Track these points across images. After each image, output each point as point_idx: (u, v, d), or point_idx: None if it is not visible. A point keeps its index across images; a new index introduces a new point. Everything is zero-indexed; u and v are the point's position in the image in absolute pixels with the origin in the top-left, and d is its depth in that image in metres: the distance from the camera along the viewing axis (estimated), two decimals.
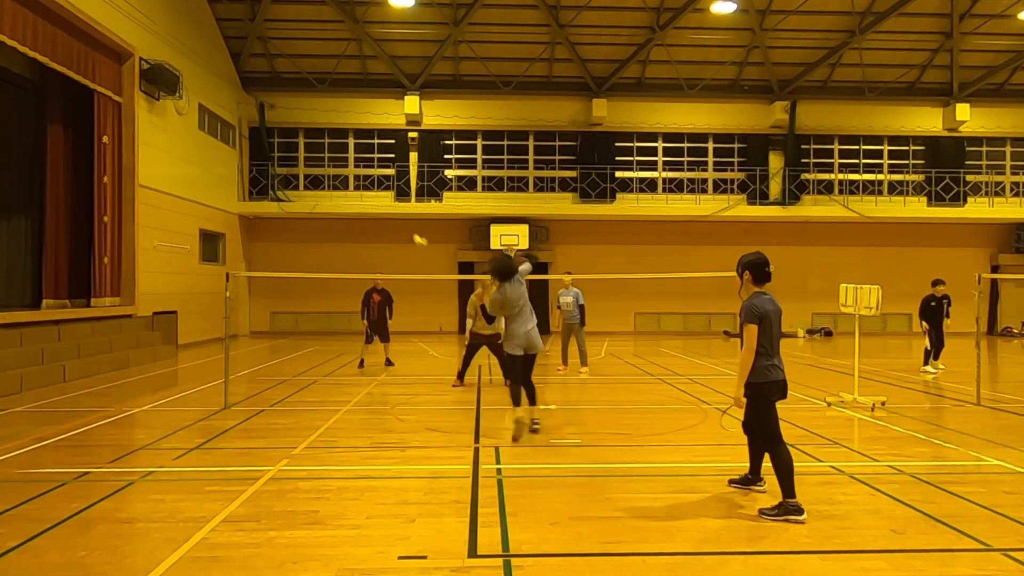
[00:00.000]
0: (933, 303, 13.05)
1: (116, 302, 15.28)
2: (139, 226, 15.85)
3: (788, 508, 4.76)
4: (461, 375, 11.19)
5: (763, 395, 5.00)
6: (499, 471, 6.03)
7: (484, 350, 11.23)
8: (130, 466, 6.15)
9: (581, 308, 12.66)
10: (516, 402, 7.31)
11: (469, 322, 11.05)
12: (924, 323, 13.07)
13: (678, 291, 24.00)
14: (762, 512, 4.85)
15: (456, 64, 23.50)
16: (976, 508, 5.02)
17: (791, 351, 17.95)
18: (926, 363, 13.03)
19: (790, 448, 6.83)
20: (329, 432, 7.61)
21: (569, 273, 13.04)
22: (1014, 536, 4.48)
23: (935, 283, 13.15)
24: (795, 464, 5.32)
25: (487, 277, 10.67)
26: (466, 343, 11.21)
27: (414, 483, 5.67)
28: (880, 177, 24.94)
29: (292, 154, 23.96)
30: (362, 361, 13.84)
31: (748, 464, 5.55)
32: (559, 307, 12.78)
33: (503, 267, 7.46)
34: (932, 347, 12.99)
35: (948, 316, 13.13)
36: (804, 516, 4.73)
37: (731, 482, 5.60)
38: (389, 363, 14.07)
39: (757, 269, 5.01)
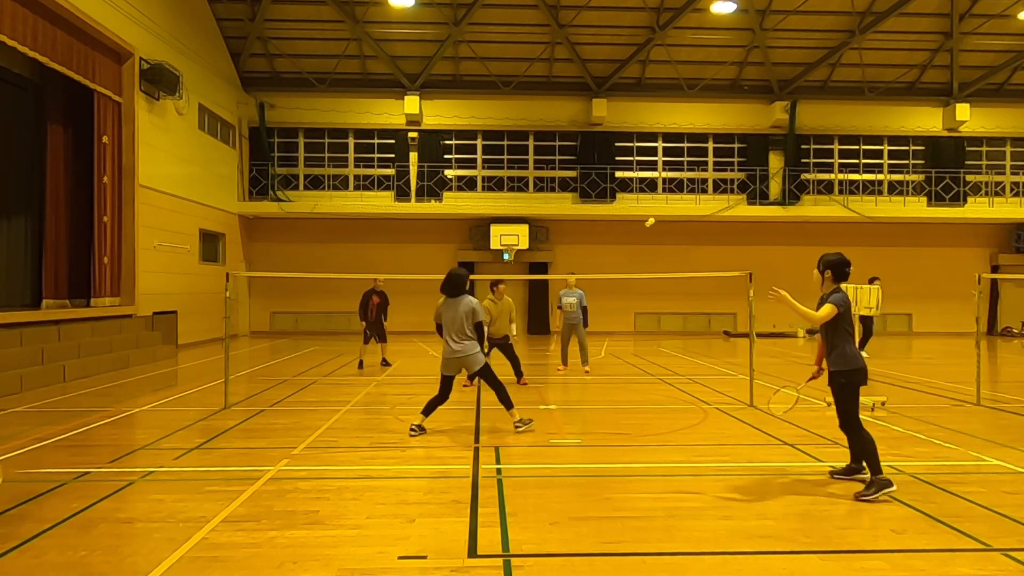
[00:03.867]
0: None
1: (116, 302, 15.27)
2: (139, 226, 15.85)
3: (882, 484, 5.12)
4: (472, 376, 11.16)
5: (855, 381, 5.28)
6: (499, 471, 6.03)
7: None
8: (130, 466, 6.15)
9: (584, 309, 12.67)
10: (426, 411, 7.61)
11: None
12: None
13: (678, 291, 24.00)
14: (858, 497, 5.12)
15: (456, 64, 23.50)
16: (976, 508, 5.02)
17: (791, 351, 17.97)
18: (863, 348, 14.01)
19: (794, 448, 6.87)
20: (329, 432, 7.61)
21: (573, 273, 13.03)
22: (1014, 536, 4.48)
23: (873, 280, 14.16)
24: (795, 464, 5.36)
25: (501, 286, 10.99)
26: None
27: (414, 483, 5.67)
28: (880, 177, 24.94)
29: (292, 154, 23.96)
30: (361, 362, 13.83)
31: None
32: (560, 307, 12.76)
33: (453, 282, 7.61)
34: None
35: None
36: (895, 487, 5.12)
37: (833, 474, 5.76)
38: (386, 363, 14.08)
39: (838, 268, 5.46)
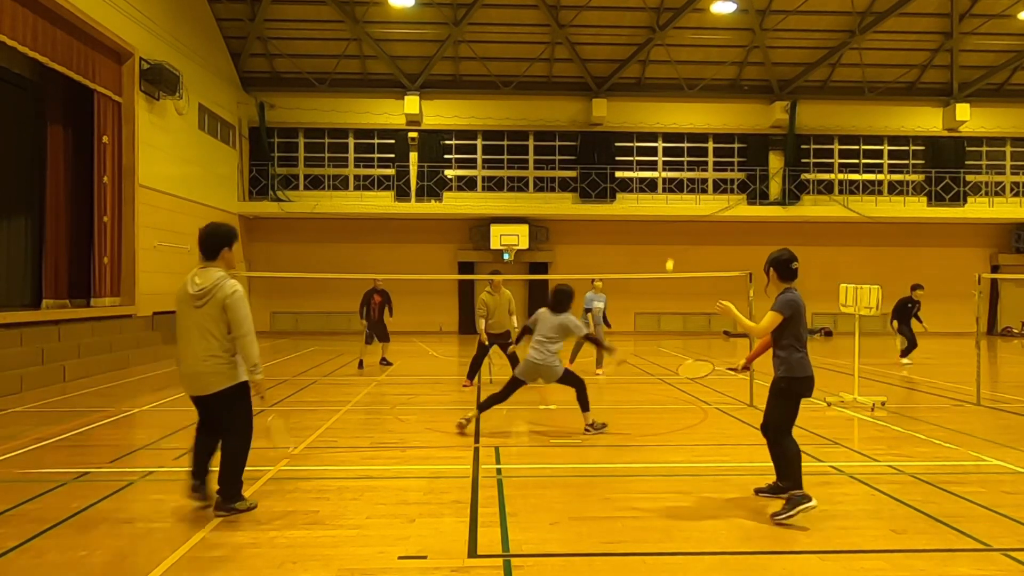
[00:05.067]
0: (910, 304, 14.25)
1: (116, 302, 15.27)
2: (139, 226, 15.84)
3: (798, 500, 4.64)
4: (471, 375, 11.13)
5: (797, 389, 4.91)
6: (499, 471, 6.03)
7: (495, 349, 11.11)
8: (130, 466, 6.15)
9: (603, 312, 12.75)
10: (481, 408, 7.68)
11: (481, 322, 10.77)
12: (895, 322, 14.35)
13: (678, 291, 23.99)
14: (775, 518, 4.65)
15: (456, 64, 23.49)
16: (976, 508, 5.02)
17: None
18: (904, 355, 14.37)
19: None
20: (329, 432, 7.61)
21: (599, 278, 13.07)
22: (1014, 536, 4.48)
23: (915, 288, 14.47)
24: None
25: (497, 277, 10.83)
26: (478, 343, 10.94)
27: (414, 483, 5.67)
28: (880, 177, 24.93)
29: (292, 154, 23.96)
30: (361, 362, 13.81)
31: (773, 470, 5.19)
32: (590, 310, 12.61)
33: (560, 299, 7.60)
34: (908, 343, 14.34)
35: (919, 319, 14.45)
36: (814, 502, 4.62)
37: (758, 491, 5.28)
38: (386, 363, 14.08)
39: (780, 266, 5.02)
